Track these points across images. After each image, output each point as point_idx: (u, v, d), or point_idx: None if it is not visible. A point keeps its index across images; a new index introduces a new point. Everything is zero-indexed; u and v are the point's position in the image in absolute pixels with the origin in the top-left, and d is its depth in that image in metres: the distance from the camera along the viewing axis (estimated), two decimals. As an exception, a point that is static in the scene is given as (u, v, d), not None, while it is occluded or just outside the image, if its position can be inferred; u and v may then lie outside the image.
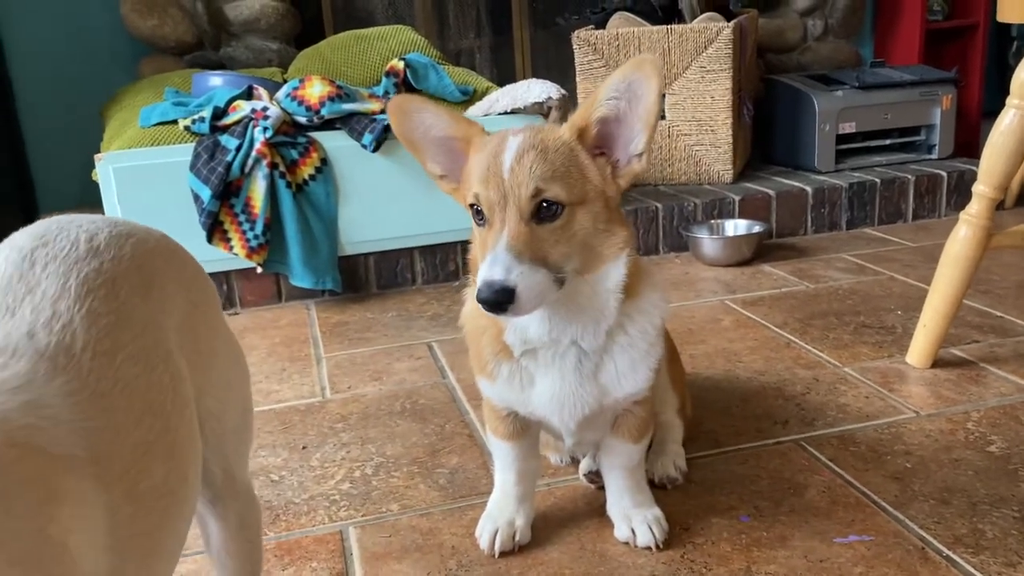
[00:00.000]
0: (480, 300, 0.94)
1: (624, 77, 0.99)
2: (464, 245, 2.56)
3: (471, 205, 1.02)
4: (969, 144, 3.34)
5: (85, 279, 0.66)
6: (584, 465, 1.36)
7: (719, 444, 1.46)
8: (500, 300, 0.93)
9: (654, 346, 1.12)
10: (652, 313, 1.10)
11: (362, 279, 2.46)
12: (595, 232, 1.02)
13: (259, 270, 2.30)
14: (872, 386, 1.64)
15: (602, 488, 1.27)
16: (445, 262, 2.52)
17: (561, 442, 1.25)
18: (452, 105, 2.51)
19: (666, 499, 1.29)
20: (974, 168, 2.86)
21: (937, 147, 3.03)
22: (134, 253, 0.73)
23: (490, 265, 0.95)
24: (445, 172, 1.10)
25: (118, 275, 0.69)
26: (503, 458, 1.22)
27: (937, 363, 1.71)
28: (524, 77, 3.45)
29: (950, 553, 1.14)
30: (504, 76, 3.44)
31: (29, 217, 2.95)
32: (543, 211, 0.98)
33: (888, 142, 3.04)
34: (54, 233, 0.71)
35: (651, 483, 1.29)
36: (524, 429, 1.20)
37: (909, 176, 2.82)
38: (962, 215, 1.62)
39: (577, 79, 2.90)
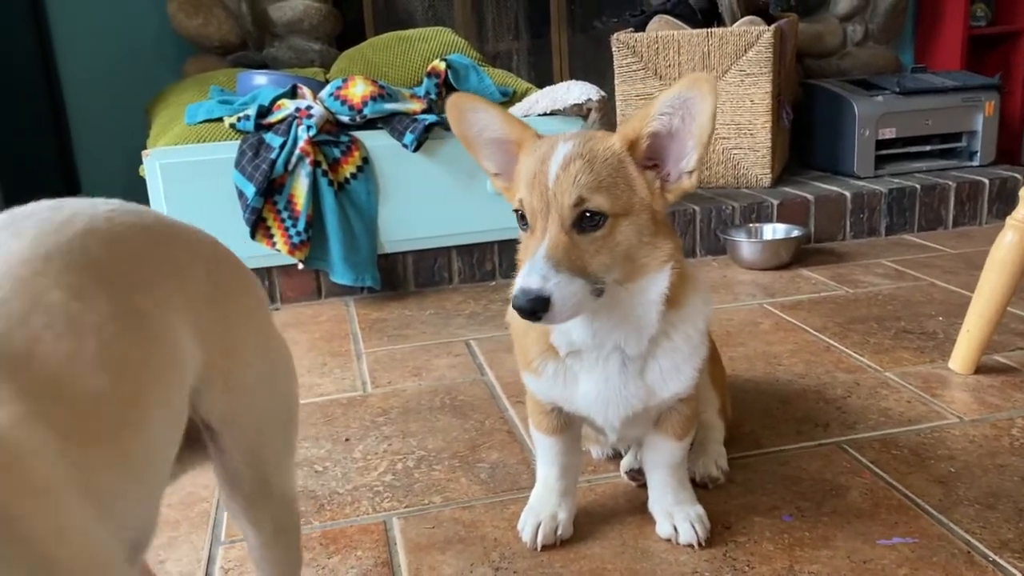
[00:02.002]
0: (515, 307, 0.96)
1: (679, 94, 0.99)
2: (502, 245, 2.59)
3: (516, 210, 1.03)
4: (1012, 151, 3.30)
5: (41, 223, 0.67)
6: (625, 462, 1.36)
7: (760, 445, 1.46)
8: (534, 308, 0.95)
9: (698, 348, 1.12)
10: (696, 319, 1.11)
11: (400, 277, 2.49)
12: (639, 244, 1.03)
13: (300, 266, 2.33)
14: (914, 391, 1.63)
15: (643, 486, 1.27)
16: (482, 261, 2.54)
17: (603, 437, 1.26)
18: (492, 106, 2.53)
19: (708, 498, 1.29)
20: (1017, 175, 2.84)
21: (979, 153, 2.99)
22: (117, 219, 0.72)
23: (527, 273, 0.96)
24: (499, 170, 1.12)
25: (90, 229, 0.69)
26: (546, 452, 1.23)
27: (980, 369, 1.70)
28: (562, 79, 3.46)
29: (996, 557, 1.13)
30: (542, 78, 3.46)
31: (75, 212, 3.01)
32: (585, 221, 0.98)
33: (929, 148, 3.01)
34: (44, 204, 0.70)
35: (692, 482, 1.29)
36: (567, 424, 1.21)
37: (950, 182, 2.79)
38: (1008, 220, 1.61)
39: (615, 82, 2.90)
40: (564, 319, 0.98)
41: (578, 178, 0.98)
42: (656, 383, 1.11)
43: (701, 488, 1.32)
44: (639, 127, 1.03)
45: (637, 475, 1.33)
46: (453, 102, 1.08)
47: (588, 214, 0.98)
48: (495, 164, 1.13)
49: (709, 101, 0.98)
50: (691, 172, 1.03)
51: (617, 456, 1.41)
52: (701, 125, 1.00)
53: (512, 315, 1.19)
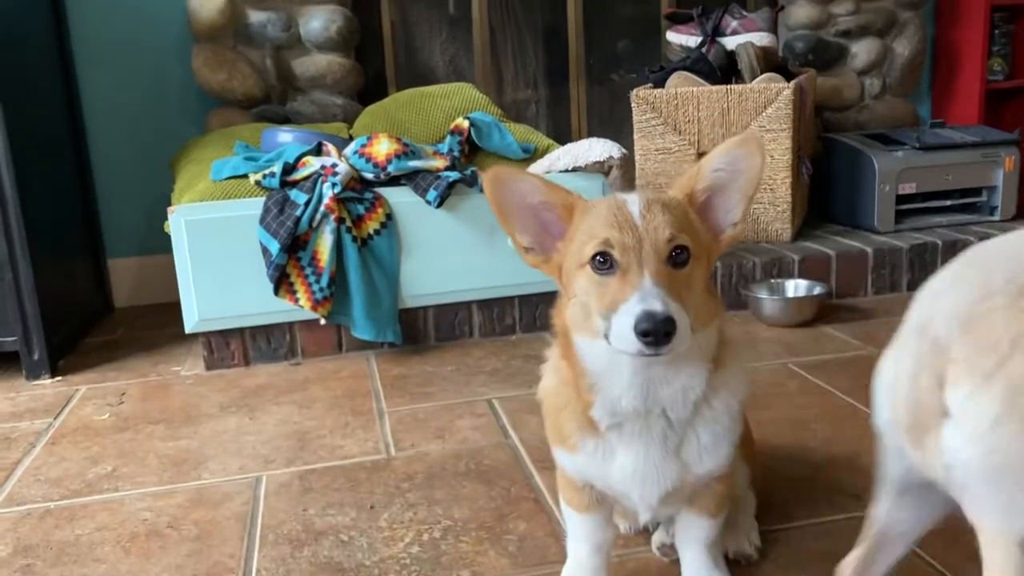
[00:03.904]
0: (642, 332, 0.93)
1: (728, 151, 1.04)
2: (522, 299, 2.58)
3: (595, 255, 1.01)
4: (1032, 206, 3.29)
5: None
6: (657, 538, 1.34)
7: (792, 518, 1.44)
8: (668, 329, 0.93)
9: (736, 422, 1.11)
10: (737, 388, 1.11)
11: (421, 332, 2.49)
12: (703, 291, 1.04)
13: (323, 322, 2.34)
14: (946, 460, 1.61)
15: (676, 561, 1.25)
16: (502, 316, 2.54)
17: (633, 513, 1.24)
18: (514, 162, 2.55)
19: (740, 574, 1.27)
20: (1040, 232, 2.83)
21: (999, 208, 2.99)
22: None
23: (643, 298, 0.95)
24: (532, 244, 1.12)
25: None
26: (577, 529, 1.22)
27: (1013, 437, 1.67)
28: (580, 131, 3.49)
29: (1042, 645, 1.10)
30: (560, 130, 3.48)
31: (97, 264, 3.03)
32: (676, 257, 1.00)
33: (949, 203, 3.01)
34: None
35: (724, 558, 1.27)
36: (600, 500, 1.19)
37: (972, 238, 2.78)
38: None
39: (635, 136, 2.92)
40: (681, 348, 0.97)
41: (665, 217, 1.01)
42: (693, 458, 1.10)
43: (733, 564, 1.30)
44: (692, 183, 1.07)
45: (669, 550, 1.31)
46: (492, 174, 1.08)
47: (678, 250, 1.00)
48: (530, 237, 1.12)
49: (758, 159, 1.04)
50: (735, 224, 1.08)
51: (647, 530, 1.39)
52: (749, 180, 1.05)
53: (544, 392, 1.18)
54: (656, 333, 0.93)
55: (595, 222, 1.03)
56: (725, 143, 1.05)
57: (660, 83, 2.94)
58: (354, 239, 2.28)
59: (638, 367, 1.03)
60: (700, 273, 1.04)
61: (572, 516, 1.21)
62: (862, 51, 3.47)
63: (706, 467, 1.10)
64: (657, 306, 0.94)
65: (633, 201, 1.03)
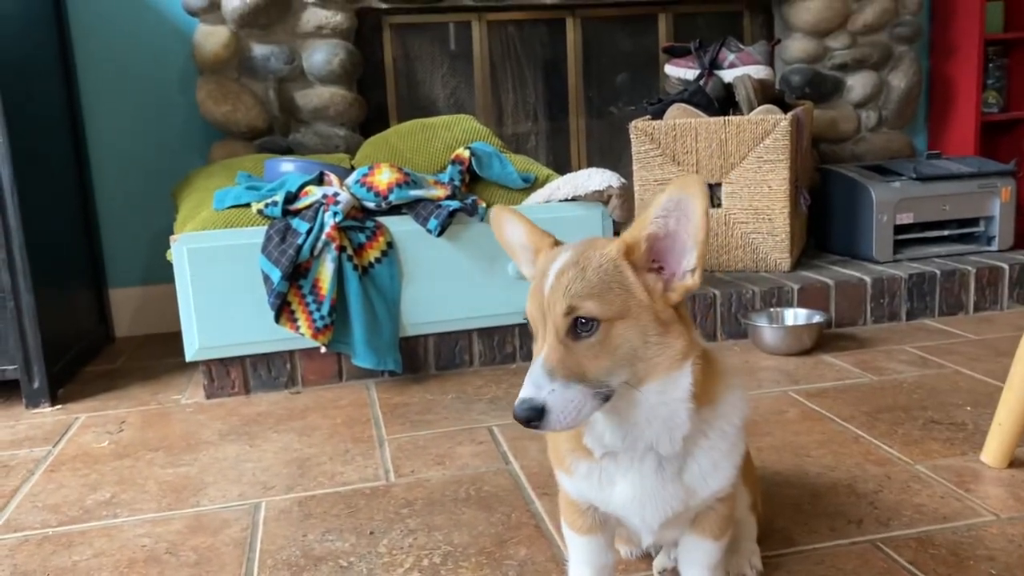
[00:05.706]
0: (514, 417, 0.98)
1: (671, 196, 1.01)
2: (522, 328, 2.59)
3: (524, 319, 1.06)
4: (1029, 236, 3.31)
5: None
6: (659, 562, 1.34)
7: (793, 543, 1.43)
8: (528, 417, 0.96)
9: (736, 444, 1.11)
10: (731, 415, 1.11)
11: (421, 360, 2.49)
12: (644, 345, 1.02)
13: (323, 350, 2.34)
14: (947, 486, 1.61)
15: (677, 586, 1.24)
16: (503, 344, 2.54)
17: (637, 537, 1.24)
18: (514, 192, 2.57)
19: (742, 600, 1.26)
20: (1038, 261, 2.84)
21: (997, 238, 3.01)
22: None
23: (525, 384, 0.98)
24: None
25: None
26: (578, 553, 1.21)
27: (1014, 463, 1.67)
28: (579, 163, 3.52)
29: (1046, 669, 1.09)
30: (560, 162, 3.51)
31: (99, 294, 3.04)
32: (579, 328, 0.99)
33: (947, 233, 3.03)
34: None
35: (726, 582, 1.27)
36: (603, 523, 1.19)
37: (970, 268, 2.79)
38: (1037, 313, 1.61)
39: (634, 167, 2.95)
40: (564, 426, 0.98)
41: (569, 287, 1.00)
42: (696, 482, 1.10)
43: (736, 589, 1.29)
44: (636, 232, 1.05)
45: (671, 575, 1.30)
46: (494, 214, 1.15)
47: (581, 321, 0.99)
48: (529, 268, 1.16)
49: (699, 201, 1.00)
50: (693, 271, 1.04)
51: (648, 556, 1.39)
52: (696, 224, 1.01)
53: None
54: (518, 420, 0.97)
55: (530, 283, 1.06)
56: (668, 187, 1.02)
57: (658, 115, 2.97)
58: (355, 267, 2.30)
59: (603, 408, 1.03)
60: (630, 332, 1.01)
61: (573, 539, 1.21)
62: (858, 84, 3.51)
63: (710, 488, 1.10)
64: (528, 393, 0.97)
65: (556, 265, 1.03)
